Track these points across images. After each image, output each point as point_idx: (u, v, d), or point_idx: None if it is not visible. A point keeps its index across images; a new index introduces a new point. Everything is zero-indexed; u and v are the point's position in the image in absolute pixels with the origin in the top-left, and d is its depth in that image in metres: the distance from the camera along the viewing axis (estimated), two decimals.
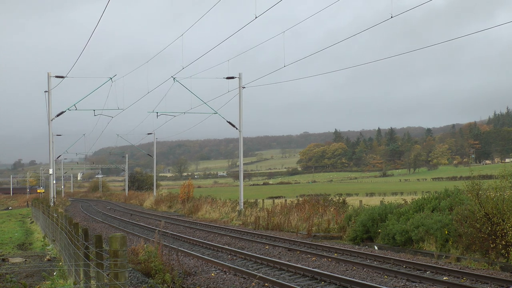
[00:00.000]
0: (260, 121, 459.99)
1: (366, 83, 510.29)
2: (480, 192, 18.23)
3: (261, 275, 15.28)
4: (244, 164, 56.54)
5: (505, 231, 16.62)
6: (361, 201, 32.19)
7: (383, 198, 49.82)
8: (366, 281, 14.31)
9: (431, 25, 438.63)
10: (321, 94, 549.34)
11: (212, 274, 16.26)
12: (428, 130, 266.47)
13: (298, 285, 14.30)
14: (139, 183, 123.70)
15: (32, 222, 41.58)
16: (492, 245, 16.94)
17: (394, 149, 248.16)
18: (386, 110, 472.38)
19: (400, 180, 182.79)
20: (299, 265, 16.98)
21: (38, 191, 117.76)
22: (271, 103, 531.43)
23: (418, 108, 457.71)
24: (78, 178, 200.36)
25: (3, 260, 18.48)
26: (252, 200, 45.65)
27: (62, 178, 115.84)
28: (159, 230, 21.55)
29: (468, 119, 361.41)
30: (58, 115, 42.58)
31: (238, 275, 15.87)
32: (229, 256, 20.47)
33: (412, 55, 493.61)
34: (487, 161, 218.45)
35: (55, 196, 60.55)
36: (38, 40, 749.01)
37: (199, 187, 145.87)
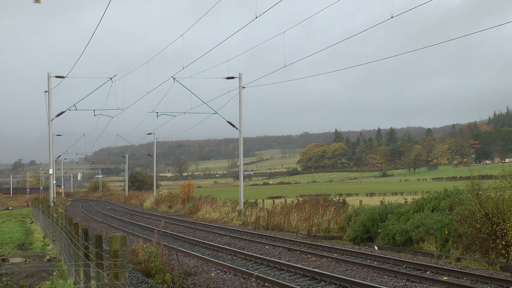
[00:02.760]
0: (260, 121, 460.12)
1: (376, 84, 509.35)
2: (480, 192, 18.23)
3: (258, 273, 15.30)
4: (244, 164, 56.56)
5: (505, 231, 16.62)
6: (361, 201, 32.18)
7: (383, 198, 49.84)
8: (366, 281, 14.31)
9: (447, 25, 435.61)
10: (330, 94, 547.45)
11: (212, 274, 16.26)
12: (428, 130, 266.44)
13: (298, 285, 14.30)
14: (139, 183, 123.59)
15: (32, 222, 41.58)
16: (492, 245, 16.94)
17: (394, 149, 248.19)
18: (387, 110, 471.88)
19: (400, 180, 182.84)
20: (299, 265, 16.98)
21: (59, 190, 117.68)
22: (282, 103, 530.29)
23: (423, 109, 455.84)
24: (78, 178, 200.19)
25: (3, 260, 18.49)
26: (252, 200, 45.66)
27: (62, 178, 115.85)
28: (158, 230, 21.61)
29: (468, 119, 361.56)
30: (58, 115, 42.61)
31: (238, 275, 15.87)
32: (229, 256, 20.46)
33: (424, 55, 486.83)
34: (487, 161, 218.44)
35: (55, 196, 60.52)
36: (45, 40, 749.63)
37: (199, 187, 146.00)
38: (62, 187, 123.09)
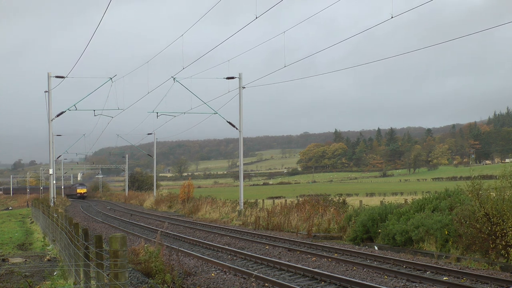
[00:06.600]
0: (260, 121, 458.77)
1: (386, 84, 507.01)
2: (480, 192, 18.23)
3: (257, 273, 15.29)
4: (244, 164, 56.52)
5: (505, 231, 16.62)
6: (361, 201, 32.20)
7: (383, 198, 49.83)
8: (366, 281, 14.31)
9: (467, 24, 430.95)
10: (341, 93, 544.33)
11: (212, 274, 16.26)
12: (428, 130, 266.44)
13: (298, 285, 14.29)
14: (139, 183, 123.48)
15: (32, 222, 41.58)
16: (492, 245, 16.94)
17: (394, 149, 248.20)
18: (388, 110, 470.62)
19: (400, 180, 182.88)
20: (299, 265, 16.98)
21: (79, 190, 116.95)
22: (283, 103, 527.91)
23: (427, 109, 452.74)
24: (78, 178, 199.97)
25: (3, 260, 18.49)
26: (252, 200, 45.64)
27: (62, 178, 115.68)
28: (161, 231, 21.59)
29: (468, 119, 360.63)
30: (58, 115, 42.57)
31: (238, 275, 15.87)
32: (229, 256, 20.47)
33: (439, 55, 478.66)
34: (487, 161, 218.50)
35: (55, 196, 60.49)
36: (53, 41, 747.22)
37: (199, 187, 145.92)
38: (85, 187, 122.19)
